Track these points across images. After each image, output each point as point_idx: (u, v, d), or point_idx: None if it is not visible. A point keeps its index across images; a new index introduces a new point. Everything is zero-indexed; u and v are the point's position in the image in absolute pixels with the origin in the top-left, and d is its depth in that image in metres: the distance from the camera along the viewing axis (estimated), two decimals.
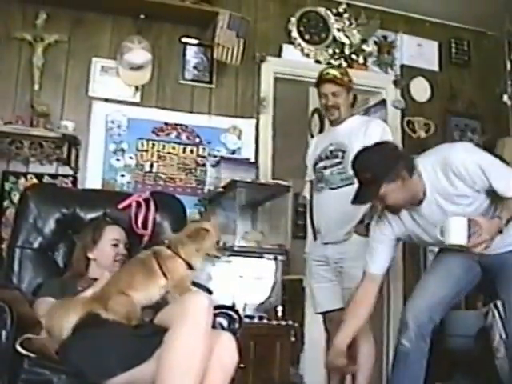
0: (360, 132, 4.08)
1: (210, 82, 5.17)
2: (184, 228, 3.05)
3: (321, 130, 6.60)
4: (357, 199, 3.22)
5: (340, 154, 4.05)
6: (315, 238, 4.25)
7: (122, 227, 3.34)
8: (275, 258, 4.59)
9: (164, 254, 2.90)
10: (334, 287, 4.07)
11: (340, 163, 4.03)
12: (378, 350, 5.30)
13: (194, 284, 2.96)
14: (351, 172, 3.91)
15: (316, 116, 6.75)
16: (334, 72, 4.20)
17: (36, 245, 3.34)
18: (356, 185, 3.89)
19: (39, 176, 4.58)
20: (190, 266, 2.90)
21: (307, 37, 5.42)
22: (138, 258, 3.00)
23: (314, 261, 4.18)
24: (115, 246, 3.22)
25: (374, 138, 3.96)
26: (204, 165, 5.01)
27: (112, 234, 3.25)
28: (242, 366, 2.96)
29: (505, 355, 4.34)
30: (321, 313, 4.21)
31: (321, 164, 4.14)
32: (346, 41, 5.46)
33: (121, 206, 3.52)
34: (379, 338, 5.30)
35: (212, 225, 3.01)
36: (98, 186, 4.66)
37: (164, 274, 2.83)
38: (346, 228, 3.98)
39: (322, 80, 4.21)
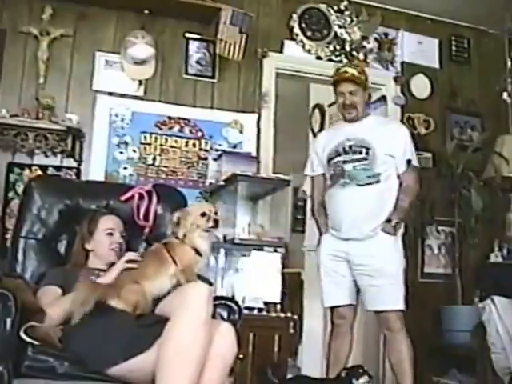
0: (381, 132, 4.09)
1: (213, 77, 5.21)
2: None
3: (321, 126, 6.63)
4: None
5: (363, 150, 4.00)
6: (325, 232, 4.17)
7: (119, 216, 3.35)
8: (275, 251, 4.62)
9: (173, 242, 2.99)
10: (345, 283, 4.04)
11: (364, 159, 3.98)
12: (375, 345, 5.37)
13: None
14: (376, 170, 3.92)
15: (317, 111, 6.78)
16: (351, 71, 4.14)
17: (40, 235, 3.38)
18: (382, 183, 3.94)
19: (44, 168, 4.63)
20: (199, 253, 2.97)
21: (309, 33, 5.45)
22: (150, 250, 3.12)
23: (328, 255, 4.10)
24: (110, 235, 3.24)
25: (401, 142, 4.09)
26: (206, 158, 5.04)
27: (106, 223, 3.27)
28: (241, 356, 2.99)
29: (501, 350, 4.38)
30: (329, 307, 4.17)
31: (339, 158, 4.06)
32: (347, 37, 5.50)
33: (123, 197, 3.53)
34: (375, 333, 5.34)
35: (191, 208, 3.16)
36: (101, 178, 4.71)
37: (174, 261, 2.91)
38: (371, 225, 3.94)
39: (339, 79, 4.15)
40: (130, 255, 3.04)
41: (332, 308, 4.15)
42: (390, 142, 4.05)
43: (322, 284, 4.16)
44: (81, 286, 2.84)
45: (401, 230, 4.10)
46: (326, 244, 4.15)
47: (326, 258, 4.12)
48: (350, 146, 4.04)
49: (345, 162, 4.03)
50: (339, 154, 4.07)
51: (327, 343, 4.20)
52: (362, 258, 3.96)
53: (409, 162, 4.08)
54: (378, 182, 3.96)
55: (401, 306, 3.94)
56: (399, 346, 3.95)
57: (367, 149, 3.99)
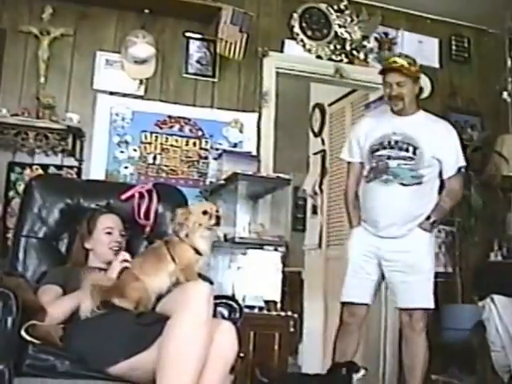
0: (429, 132, 3.98)
1: (213, 76, 5.20)
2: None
3: (321, 125, 6.65)
4: None
5: (410, 148, 3.90)
6: (357, 225, 4.12)
7: (118, 215, 3.36)
8: (275, 250, 4.62)
9: (174, 240, 2.99)
10: (368, 282, 4.02)
11: (411, 159, 3.89)
12: (376, 343, 5.39)
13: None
14: (421, 171, 3.85)
15: (317, 111, 6.80)
16: (401, 61, 3.98)
17: (40, 234, 3.39)
18: (423, 185, 3.89)
19: (44, 167, 4.63)
20: (198, 252, 2.98)
21: (309, 32, 5.44)
22: (150, 247, 3.14)
23: (358, 250, 4.05)
24: (109, 234, 3.25)
25: (451, 147, 4.03)
26: (206, 157, 5.04)
27: (105, 222, 3.28)
28: (241, 355, 3.00)
29: (501, 348, 4.40)
30: (345, 302, 4.09)
31: (383, 152, 3.97)
32: (347, 37, 5.49)
33: (124, 196, 3.55)
34: (377, 332, 5.36)
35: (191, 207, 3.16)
36: (101, 177, 4.71)
37: (173, 259, 2.92)
38: (409, 226, 3.90)
39: (387, 68, 4.03)
40: (124, 255, 3.06)
41: (343, 304, 4.10)
42: (438, 144, 3.95)
43: (346, 278, 4.09)
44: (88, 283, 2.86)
45: (435, 230, 4.09)
46: (358, 239, 4.10)
47: (355, 252, 4.07)
48: (396, 142, 3.95)
49: (389, 157, 3.94)
50: (384, 148, 3.98)
51: (333, 341, 4.15)
52: (395, 253, 3.92)
53: (459, 168, 4.04)
54: (419, 183, 3.90)
55: (431, 304, 3.95)
56: (417, 349, 3.93)
57: (415, 148, 3.90)
